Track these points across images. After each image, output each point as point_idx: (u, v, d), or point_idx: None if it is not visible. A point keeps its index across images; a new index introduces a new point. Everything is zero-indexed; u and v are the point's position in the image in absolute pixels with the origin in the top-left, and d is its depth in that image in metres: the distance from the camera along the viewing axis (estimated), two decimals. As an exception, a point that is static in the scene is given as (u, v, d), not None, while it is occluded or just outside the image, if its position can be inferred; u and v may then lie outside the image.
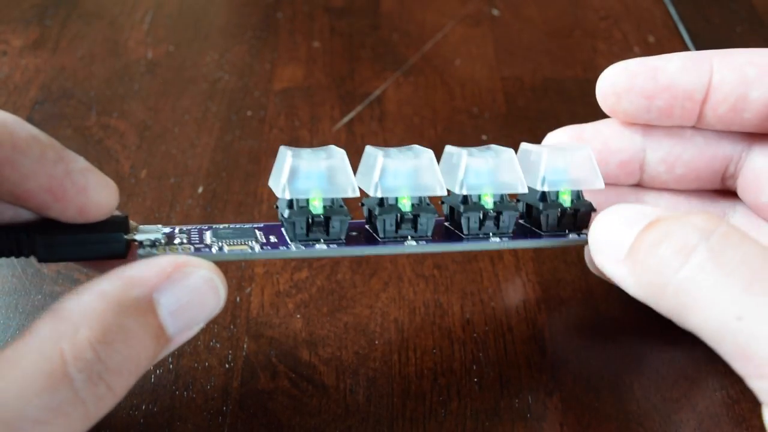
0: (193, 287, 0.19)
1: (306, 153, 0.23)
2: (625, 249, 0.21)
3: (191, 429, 0.25)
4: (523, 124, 0.38)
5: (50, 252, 0.21)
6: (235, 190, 0.34)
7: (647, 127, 0.26)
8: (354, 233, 0.24)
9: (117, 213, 0.23)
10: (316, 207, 0.23)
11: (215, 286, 0.20)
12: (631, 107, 0.25)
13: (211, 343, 0.27)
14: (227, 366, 0.27)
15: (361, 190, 0.24)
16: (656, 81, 0.24)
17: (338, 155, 0.23)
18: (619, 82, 0.25)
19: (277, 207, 0.24)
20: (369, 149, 0.24)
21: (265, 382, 0.26)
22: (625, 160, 0.26)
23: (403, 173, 0.23)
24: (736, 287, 0.18)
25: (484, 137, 0.37)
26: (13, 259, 0.22)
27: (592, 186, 0.24)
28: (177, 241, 0.23)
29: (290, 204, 0.23)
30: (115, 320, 0.18)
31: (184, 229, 0.24)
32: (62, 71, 0.40)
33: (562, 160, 0.24)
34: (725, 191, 0.27)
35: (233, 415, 0.25)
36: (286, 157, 0.22)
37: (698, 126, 0.25)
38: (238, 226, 0.25)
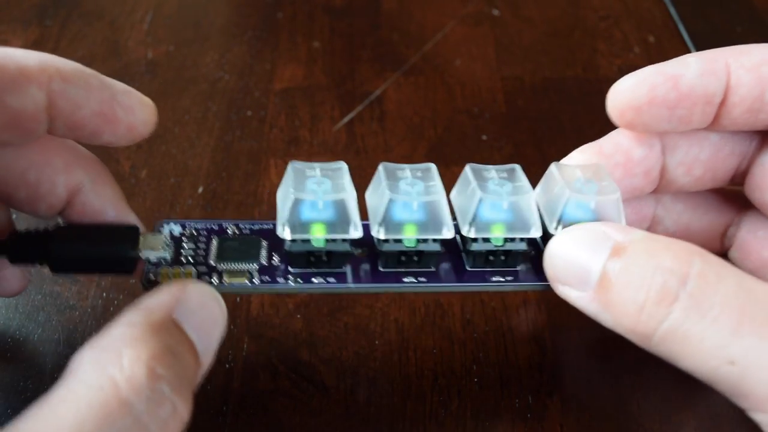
0: (199, 302, 0.20)
1: (311, 184, 0.22)
2: (592, 282, 0.20)
3: (191, 429, 0.25)
4: (523, 124, 0.38)
5: (63, 266, 0.22)
6: (235, 190, 0.34)
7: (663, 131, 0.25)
8: (358, 251, 0.23)
9: (130, 222, 0.24)
10: (318, 240, 0.22)
11: (216, 298, 0.21)
12: (652, 120, 0.24)
13: (211, 343, 0.27)
14: (227, 366, 0.27)
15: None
16: (678, 90, 0.23)
17: (346, 191, 0.22)
18: (638, 95, 0.23)
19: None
20: (381, 171, 0.23)
21: (265, 382, 0.26)
22: (649, 167, 0.25)
23: (412, 210, 0.22)
24: (723, 332, 0.18)
25: (484, 137, 0.37)
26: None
27: None
28: (182, 253, 0.23)
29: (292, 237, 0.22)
30: (155, 339, 0.18)
31: (192, 228, 0.24)
32: (62, 71, 0.40)
33: (585, 204, 0.23)
34: (731, 198, 0.27)
35: (233, 415, 0.25)
36: (289, 191, 0.21)
37: (712, 128, 0.24)
38: (246, 232, 0.24)
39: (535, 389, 0.27)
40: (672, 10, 0.47)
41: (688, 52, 0.43)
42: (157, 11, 0.45)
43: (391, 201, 0.22)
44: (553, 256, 0.22)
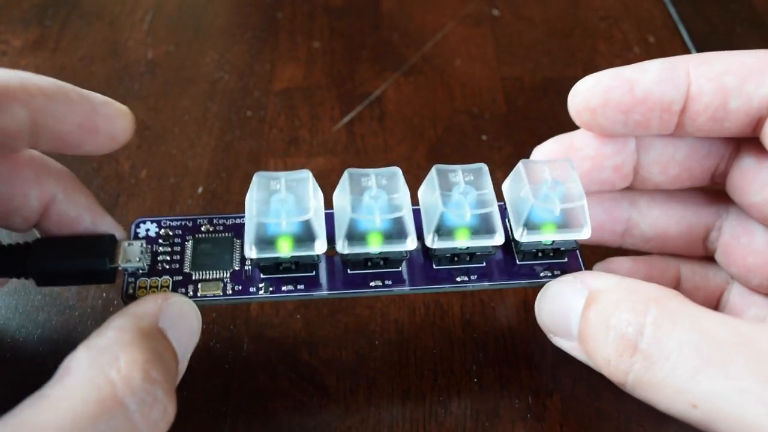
0: (180, 313, 0.21)
1: (275, 203, 0.22)
2: (574, 333, 0.21)
3: (191, 429, 0.25)
4: (523, 124, 0.38)
5: (45, 280, 0.23)
6: (235, 190, 0.34)
7: None
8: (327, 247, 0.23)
9: (108, 232, 0.24)
10: (285, 253, 0.22)
11: (194, 310, 0.22)
12: (607, 122, 0.24)
13: (211, 343, 0.27)
14: (227, 366, 0.27)
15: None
16: (632, 94, 0.23)
17: (310, 211, 0.22)
18: (592, 97, 0.23)
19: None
20: (346, 180, 0.23)
21: (265, 382, 0.26)
22: (619, 163, 0.25)
23: (375, 224, 0.22)
24: (682, 377, 0.19)
25: (484, 137, 0.37)
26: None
27: (578, 236, 0.23)
28: (159, 260, 0.24)
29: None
30: (147, 345, 0.19)
31: (167, 226, 0.25)
32: (62, 71, 0.40)
33: (551, 207, 0.22)
34: (717, 193, 0.27)
35: (233, 415, 0.25)
36: (253, 212, 0.22)
37: (678, 135, 0.24)
38: (220, 228, 0.25)
39: (535, 389, 0.27)
40: (672, 10, 0.47)
41: (688, 52, 0.43)
42: (157, 11, 0.45)
43: (352, 220, 0.22)
44: (540, 310, 0.23)
